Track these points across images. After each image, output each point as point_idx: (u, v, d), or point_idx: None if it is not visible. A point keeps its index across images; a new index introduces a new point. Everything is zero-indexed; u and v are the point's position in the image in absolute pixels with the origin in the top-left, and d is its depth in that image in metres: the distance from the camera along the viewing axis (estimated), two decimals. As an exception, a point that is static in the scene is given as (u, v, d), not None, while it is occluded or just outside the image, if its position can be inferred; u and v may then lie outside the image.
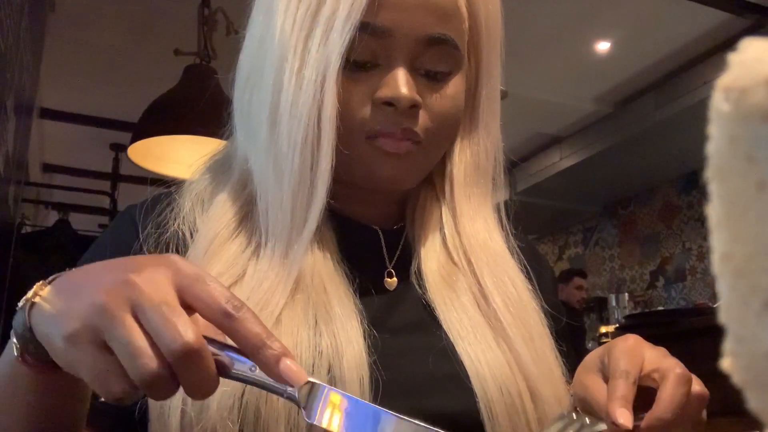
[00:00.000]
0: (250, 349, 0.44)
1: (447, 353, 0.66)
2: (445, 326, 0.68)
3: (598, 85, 4.05)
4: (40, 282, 0.48)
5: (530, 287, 0.73)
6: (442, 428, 0.48)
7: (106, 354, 0.42)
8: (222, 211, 0.68)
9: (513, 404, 0.64)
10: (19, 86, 2.46)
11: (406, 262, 0.73)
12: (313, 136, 0.63)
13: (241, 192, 0.70)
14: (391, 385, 0.61)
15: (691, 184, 4.88)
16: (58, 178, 4.88)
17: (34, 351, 0.47)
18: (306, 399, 0.45)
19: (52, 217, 4.26)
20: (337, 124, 0.63)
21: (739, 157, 0.21)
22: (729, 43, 3.16)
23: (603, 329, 4.28)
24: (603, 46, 3.64)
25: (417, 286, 0.71)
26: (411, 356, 0.65)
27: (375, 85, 0.65)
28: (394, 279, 0.72)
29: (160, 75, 2.67)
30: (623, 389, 0.56)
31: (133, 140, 2.46)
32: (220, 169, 0.75)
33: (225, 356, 0.45)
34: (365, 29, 0.63)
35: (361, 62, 0.64)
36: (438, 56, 0.66)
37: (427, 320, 0.69)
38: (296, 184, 0.64)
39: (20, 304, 0.48)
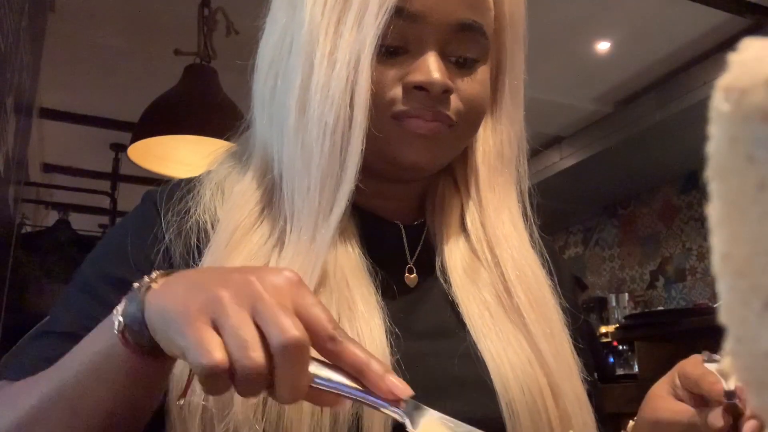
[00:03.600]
0: (356, 369, 0.46)
1: (469, 353, 0.65)
2: (467, 323, 0.67)
3: (598, 85, 4.04)
4: (157, 272, 0.50)
5: (550, 283, 0.72)
6: None
7: (213, 333, 0.43)
8: (243, 201, 0.68)
9: (534, 402, 0.63)
10: (19, 86, 2.45)
11: (426, 257, 0.72)
12: (345, 118, 0.62)
13: (262, 180, 0.69)
14: (411, 385, 0.61)
15: (691, 184, 4.87)
16: (58, 178, 4.87)
17: (138, 330, 0.48)
18: (411, 416, 0.48)
19: (52, 217, 4.25)
20: (369, 107, 0.62)
21: (739, 157, 0.21)
22: (729, 43, 3.16)
23: (603, 329, 4.28)
24: (603, 46, 3.63)
25: (442, 281, 0.70)
26: (432, 356, 0.65)
27: (404, 70, 0.65)
28: (415, 275, 0.71)
29: (160, 75, 2.67)
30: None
31: (133, 140, 2.46)
32: (238, 158, 0.74)
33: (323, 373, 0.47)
34: (399, 14, 0.63)
35: (393, 47, 0.64)
36: (468, 43, 0.66)
37: (449, 318, 0.68)
38: (325, 167, 0.63)
39: (136, 285, 0.50)
